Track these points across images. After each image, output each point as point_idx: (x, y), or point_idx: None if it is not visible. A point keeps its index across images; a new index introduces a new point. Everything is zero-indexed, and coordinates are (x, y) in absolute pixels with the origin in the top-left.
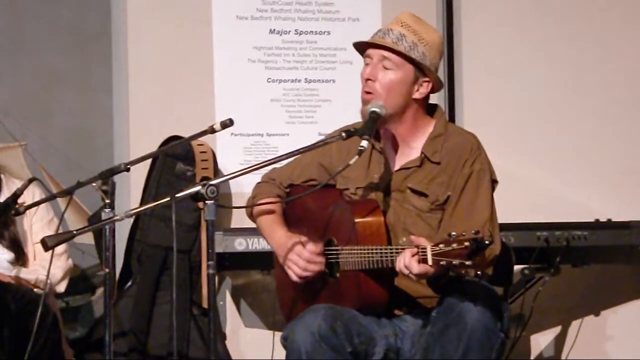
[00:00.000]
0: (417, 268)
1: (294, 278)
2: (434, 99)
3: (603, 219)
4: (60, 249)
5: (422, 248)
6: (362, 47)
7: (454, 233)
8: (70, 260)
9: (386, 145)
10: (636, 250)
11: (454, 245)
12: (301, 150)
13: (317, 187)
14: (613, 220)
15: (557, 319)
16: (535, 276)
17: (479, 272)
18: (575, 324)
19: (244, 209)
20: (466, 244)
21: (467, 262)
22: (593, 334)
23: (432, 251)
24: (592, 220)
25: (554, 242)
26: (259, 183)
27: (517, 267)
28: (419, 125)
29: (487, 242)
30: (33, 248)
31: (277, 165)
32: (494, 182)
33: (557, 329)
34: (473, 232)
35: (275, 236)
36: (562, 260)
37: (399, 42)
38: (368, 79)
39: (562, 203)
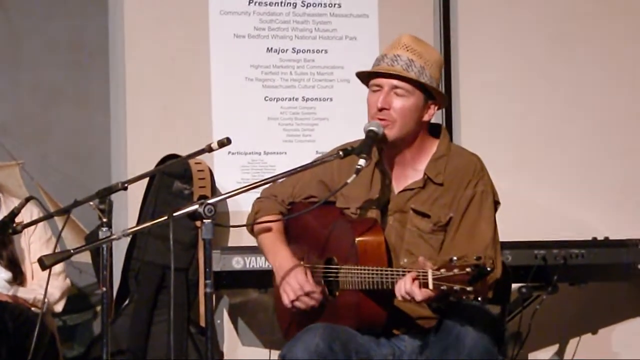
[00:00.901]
0: (419, 295)
1: (287, 303)
2: (432, 118)
3: (600, 237)
4: (58, 268)
5: (424, 272)
6: (366, 75)
7: (455, 258)
8: (68, 280)
9: (389, 166)
10: (633, 268)
11: (455, 270)
12: (299, 169)
13: (316, 205)
14: (610, 238)
15: (554, 337)
16: (533, 294)
17: (479, 298)
18: (573, 342)
19: (241, 227)
20: (468, 269)
21: (468, 288)
22: (591, 352)
23: (433, 275)
24: (589, 238)
25: (552, 261)
26: (259, 199)
27: (514, 286)
28: (424, 146)
29: (488, 269)
30: (31, 267)
31: (277, 182)
32: (496, 203)
33: (554, 347)
34: (475, 258)
35: (278, 256)
36: (559, 279)
37: (409, 68)
38: (383, 108)
39: (560, 221)
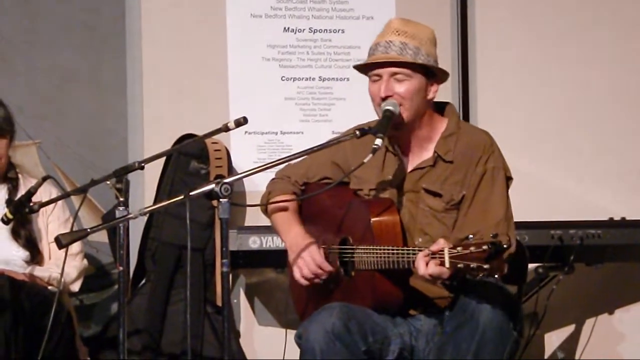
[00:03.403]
0: (432, 268)
1: (299, 278)
2: (448, 98)
3: (617, 218)
4: (75, 248)
5: (440, 251)
6: (364, 66)
7: (471, 236)
8: (85, 260)
9: (400, 147)
10: None
11: (472, 248)
12: (315, 148)
13: (331, 185)
14: (627, 218)
15: (571, 318)
16: (549, 275)
17: (496, 275)
18: (589, 322)
19: (258, 207)
20: (484, 247)
21: (485, 266)
22: (607, 332)
23: (450, 254)
24: (606, 218)
25: (568, 241)
26: (273, 180)
27: (531, 266)
28: (433, 125)
29: (505, 245)
30: (48, 247)
31: (291, 163)
32: (508, 179)
33: (571, 328)
34: (491, 235)
35: (291, 233)
36: (576, 259)
37: (403, 52)
38: (386, 96)
39: (576, 201)
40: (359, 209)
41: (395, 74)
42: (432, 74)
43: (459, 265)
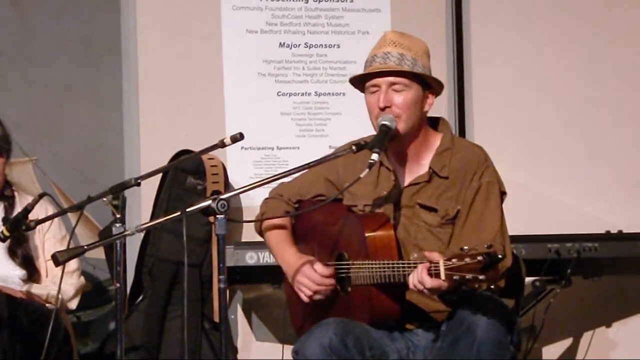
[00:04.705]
0: (430, 282)
1: (305, 299)
2: (444, 112)
3: (614, 231)
4: (72, 266)
5: (435, 263)
6: (361, 79)
7: (466, 247)
8: (82, 278)
9: (394, 162)
10: None
11: (467, 259)
12: (312, 163)
13: (326, 201)
14: (624, 231)
15: (568, 331)
16: (547, 288)
17: (492, 286)
18: (586, 335)
19: (253, 225)
20: (479, 258)
21: (481, 277)
22: (604, 345)
23: (445, 266)
24: (603, 231)
25: (565, 254)
26: (266, 200)
27: (528, 279)
28: (427, 140)
29: (500, 255)
30: (45, 265)
31: (286, 179)
32: (502, 193)
33: (568, 341)
34: (486, 246)
35: (284, 255)
36: (573, 272)
37: (402, 62)
38: (385, 107)
39: (573, 215)
40: (354, 224)
41: (394, 84)
42: (428, 86)
43: (454, 277)
